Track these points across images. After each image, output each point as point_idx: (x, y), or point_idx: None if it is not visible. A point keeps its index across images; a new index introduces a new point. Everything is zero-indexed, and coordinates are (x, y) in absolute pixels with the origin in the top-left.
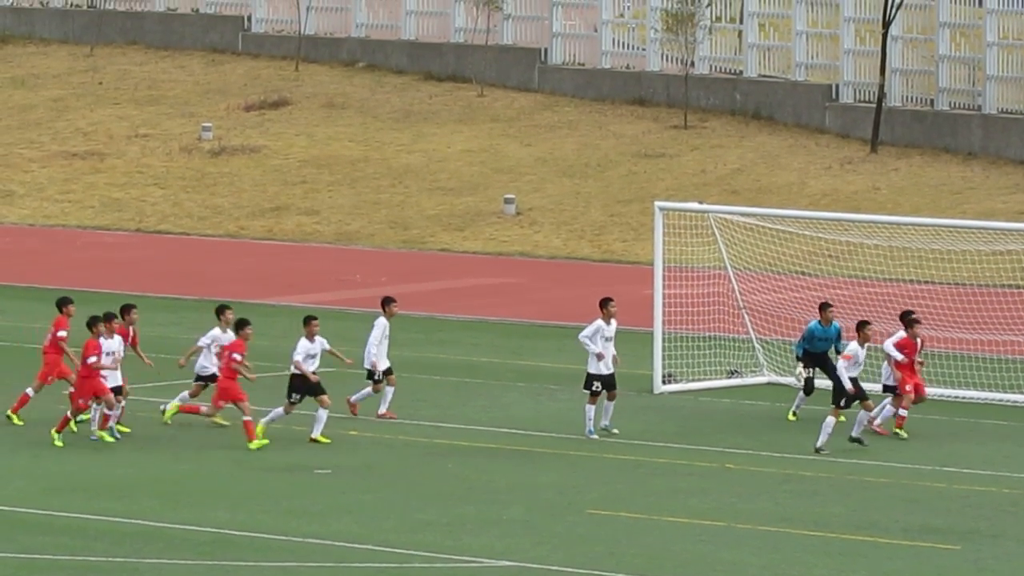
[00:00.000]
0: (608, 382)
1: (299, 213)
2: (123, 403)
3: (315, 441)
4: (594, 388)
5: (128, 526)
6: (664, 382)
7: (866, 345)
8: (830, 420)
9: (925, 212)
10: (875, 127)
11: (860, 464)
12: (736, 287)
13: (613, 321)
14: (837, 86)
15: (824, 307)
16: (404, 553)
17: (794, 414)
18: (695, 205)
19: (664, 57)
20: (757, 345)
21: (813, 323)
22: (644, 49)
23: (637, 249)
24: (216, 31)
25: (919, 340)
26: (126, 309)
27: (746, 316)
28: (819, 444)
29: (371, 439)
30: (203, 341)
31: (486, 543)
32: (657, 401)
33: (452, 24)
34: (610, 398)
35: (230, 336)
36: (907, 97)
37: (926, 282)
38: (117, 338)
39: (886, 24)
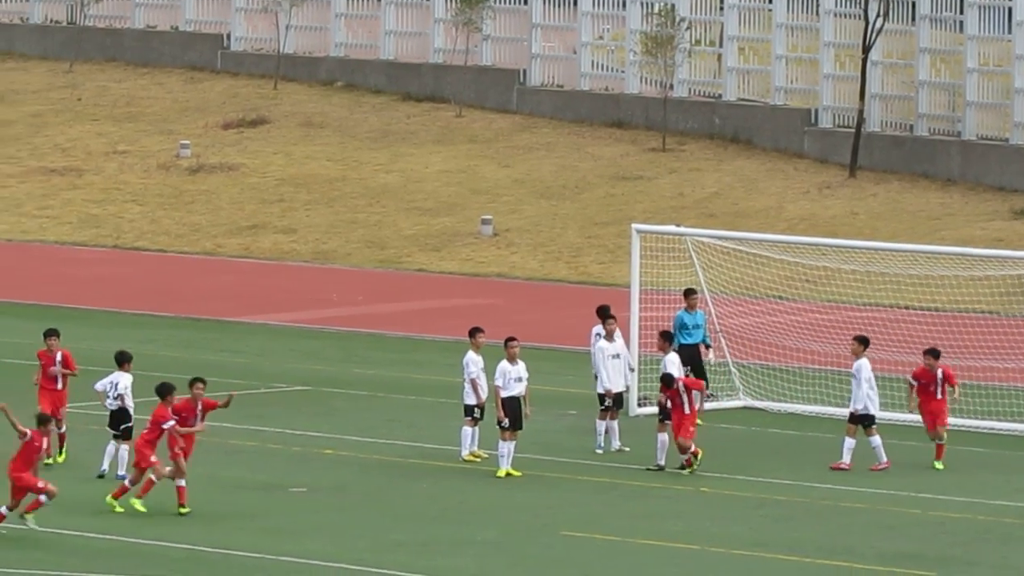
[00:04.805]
0: (615, 399)
1: (276, 231)
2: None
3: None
4: (605, 404)
5: (102, 542)
6: (640, 405)
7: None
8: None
9: (903, 238)
10: (854, 152)
11: (835, 489)
12: (713, 311)
13: (616, 339)
14: (816, 111)
15: (689, 293)
16: (377, 573)
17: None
18: (672, 228)
19: (643, 80)
20: (733, 369)
21: (680, 312)
22: (623, 72)
23: (614, 271)
24: (195, 49)
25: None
26: (192, 383)
27: (722, 340)
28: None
29: (346, 458)
30: None
31: (460, 564)
32: (633, 423)
33: (431, 44)
34: (611, 417)
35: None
36: (886, 122)
37: (904, 307)
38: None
39: (866, 49)
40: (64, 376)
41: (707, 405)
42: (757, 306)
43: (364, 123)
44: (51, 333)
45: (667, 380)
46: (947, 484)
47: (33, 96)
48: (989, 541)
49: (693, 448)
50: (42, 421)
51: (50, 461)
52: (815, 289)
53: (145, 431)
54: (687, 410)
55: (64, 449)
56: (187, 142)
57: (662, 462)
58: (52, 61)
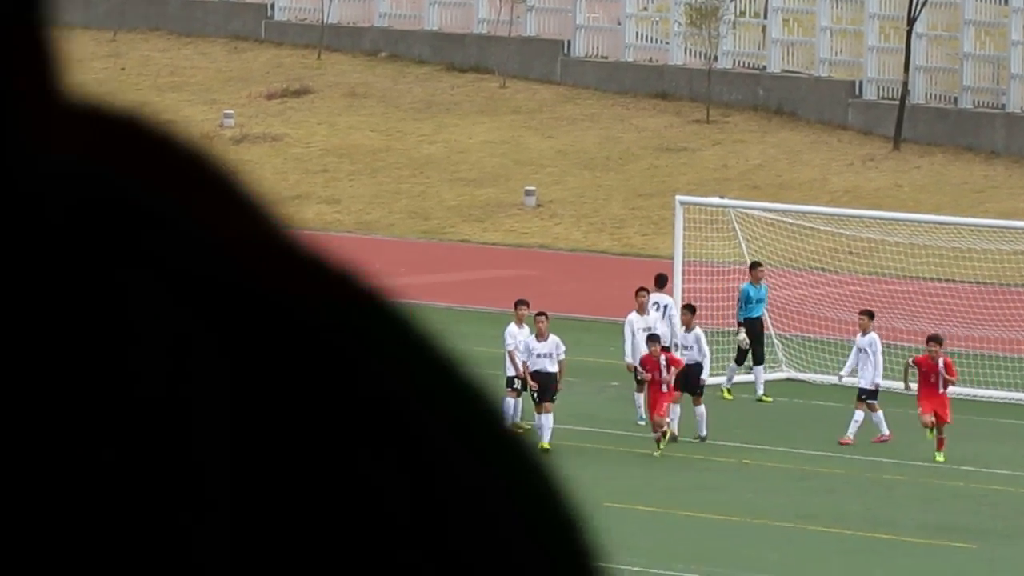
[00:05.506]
0: None
1: (319, 202)
2: None
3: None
4: (638, 377)
5: None
6: None
7: None
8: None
9: (947, 210)
10: (898, 124)
11: (878, 462)
12: None
13: (652, 312)
14: (860, 82)
15: (754, 266)
16: None
17: (728, 391)
18: (716, 200)
19: (687, 51)
20: (776, 341)
21: (746, 285)
22: (667, 43)
23: (657, 243)
24: (239, 18)
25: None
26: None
27: (766, 312)
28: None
29: None
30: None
31: None
32: None
33: (475, 15)
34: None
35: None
36: (930, 95)
37: (947, 280)
38: None
39: (910, 21)
40: None
41: (747, 377)
42: (800, 278)
43: (408, 94)
44: None
45: (653, 337)
46: (990, 457)
47: (76, 66)
48: None
49: (665, 427)
50: None
51: None
52: (858, 261)
53: None
54: (664, 388)
55: None
56: (231, 112)
57: (704, 433)
58: (95, 31)
